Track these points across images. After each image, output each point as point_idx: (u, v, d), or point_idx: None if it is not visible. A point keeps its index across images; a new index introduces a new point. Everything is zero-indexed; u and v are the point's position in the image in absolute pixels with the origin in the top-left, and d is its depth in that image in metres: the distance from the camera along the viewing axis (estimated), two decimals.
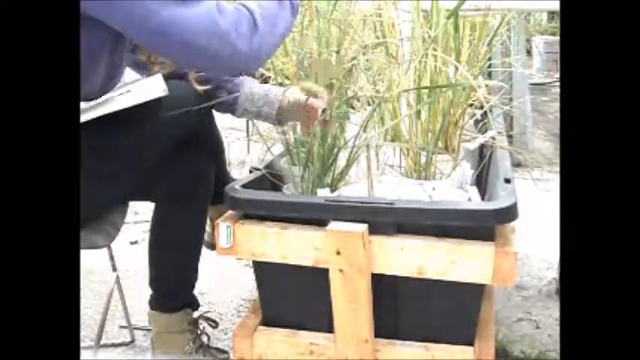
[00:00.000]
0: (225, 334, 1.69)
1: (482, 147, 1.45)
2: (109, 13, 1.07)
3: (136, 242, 2.35)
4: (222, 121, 1.56)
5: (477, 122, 1.52)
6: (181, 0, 1.05)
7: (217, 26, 1.07)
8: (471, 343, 1.15)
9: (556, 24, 6.52)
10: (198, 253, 1.49)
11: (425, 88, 1.27)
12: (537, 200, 2.55)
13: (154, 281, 1.50)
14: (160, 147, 1.35)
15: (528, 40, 5.87)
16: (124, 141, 1.30)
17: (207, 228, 1.54)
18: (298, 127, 1.33)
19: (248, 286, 1.91)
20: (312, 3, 1.29)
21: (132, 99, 1.25)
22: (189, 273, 1.50)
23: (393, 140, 1.34)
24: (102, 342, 1.53)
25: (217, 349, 1.57)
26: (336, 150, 1.25)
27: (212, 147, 1.53)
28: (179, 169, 1.40)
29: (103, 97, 1.26)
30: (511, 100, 2.87)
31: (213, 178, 1.45)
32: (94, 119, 1.22)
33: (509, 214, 1.06)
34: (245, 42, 1.09)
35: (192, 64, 1.16)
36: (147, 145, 1.33)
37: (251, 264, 1.24)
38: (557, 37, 5.71)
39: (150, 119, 1.33)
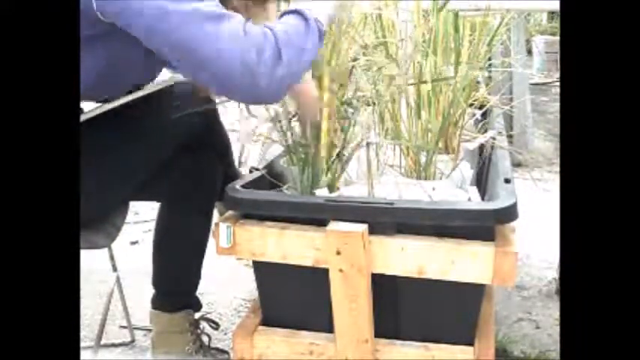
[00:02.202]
0: (225, 334, 1.69)
1: (482, 147, 1.45)
2: (132, 23, 1.02)
3: (136, 242, 2.35)
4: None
5: (477, 122, 1.52)
6: (208, 16, 0.99)
7: (239, 51, 0.99)
8: (471, 343, 1.15)
9: (556, 24, 6.53)
10: (203, 253, 1.49)
11: (422, 82, 1.27)
12: (537, 200, 2.55)
13: (157, 281, 1.50)
14: (165, 147, 1.36)
15: (528, 40, 5.88)
16: (129, 141, 1.31)
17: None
18: (297, 129, 1.33)
19: (248, 286, 1.91)
20: None
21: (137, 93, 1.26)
22: (193, 274, 1.50)
23: (393, 140, 1.34)
24: (102, 342, 1.53)
25: (217, 349, 1.57)
26: (335, 150, 1.25)
27: (218, 147, 1.53)
28: (185, 170, 1.40)
29: None
30: (511, 100, 2.87)
31: (220, 179, 1.45)
32: (100, 119, 1.23)
33: (509, 214, 1.06)
34: (266, 73, 1.01)
35: (208, 86, 1.08)
36: (152, 146, 1.34)
37: (251, 264, 1.24)
38: (557, 37, 5.71)
39: (156, 119, 1.33)
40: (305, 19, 1.08)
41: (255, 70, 1.00)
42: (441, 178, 1.28)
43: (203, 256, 1.49)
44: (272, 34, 1.03)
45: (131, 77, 1.26)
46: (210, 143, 1.48)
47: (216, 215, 1.50)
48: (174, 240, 1.46)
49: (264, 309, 1.25)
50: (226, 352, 1.57)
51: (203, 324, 1.54)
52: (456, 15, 1.35)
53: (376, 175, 1.25)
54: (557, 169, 3.10)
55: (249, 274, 1.30)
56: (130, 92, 1.27)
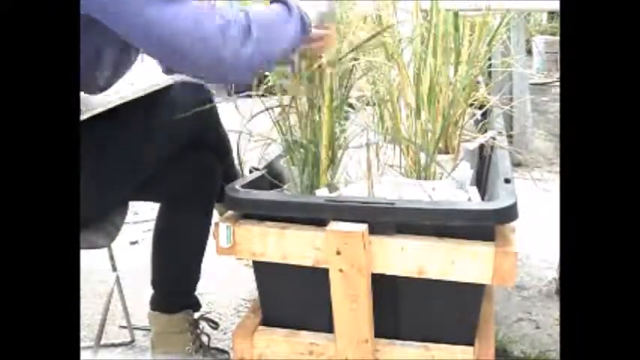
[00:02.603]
0: (225, 334, 1.69)
1: (482, 147, 1.45)
2: (102, 11, 1.02)
3: (136, 242, 2.35)
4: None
5: (477, 122, 1.52)
6: None
7: (201, 29, 0.99)
8: (471, 343, 1.15)
9: (556, 24, 6.52)
10: (202, 254, 1.49)
11: None
12: (537, 200, 2.55)
13: (156, 281, 1.49)
14: (166, 147, 1.36)
15: (528, 40, 5.87)
16: (128, 141, 1.31)
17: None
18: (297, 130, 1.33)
19: (248, 286, 1.91)
20: None
21: (135, 91, 1.25)
22: (192, 274, 1.50)
23: (393, 140, 1.34)
24: (102, 342, 1.53)
25: (217, 349, 1.57)
26: (335, 150, 1.25)
27: (218, 147, 1.53)
28: (184, 170, 1.40)
29: (109, 92, 1.26)
30: (511, 100, 2.87)
31: (220, 179, 1.45)
32: (99, 118, 1.22)
33: (509, 214, 1.06)
34: (232, 49, 1.00)
35: (174, 67, 1.09)
36: (152, 146, 1.34)
37: (251, 264, 1.24)
38: (557, 37, 5.71)
39: (156, 119, 1.33)
40: (287, 6, 1.10)
41: (220, 48, 1.00)
42: (441, 178, 1.28)
43: (203, 256, 1.49)
44: (243, 12, 1.03)
45: (102, 72, 1.25)
46: (210, 143, 1.48)
47: (216, 215, 1.50)
48: (173, 240, 1.46)
49: (264, 309, 1.25)
50: (226, 352, 1.57)
51: (203, 324, 1.54)
52: (456, 15, 1.35)
53: (376, 175, 1.25)
54: (557, 169, 3.10)
55: (249, 274, 1.30)
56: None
